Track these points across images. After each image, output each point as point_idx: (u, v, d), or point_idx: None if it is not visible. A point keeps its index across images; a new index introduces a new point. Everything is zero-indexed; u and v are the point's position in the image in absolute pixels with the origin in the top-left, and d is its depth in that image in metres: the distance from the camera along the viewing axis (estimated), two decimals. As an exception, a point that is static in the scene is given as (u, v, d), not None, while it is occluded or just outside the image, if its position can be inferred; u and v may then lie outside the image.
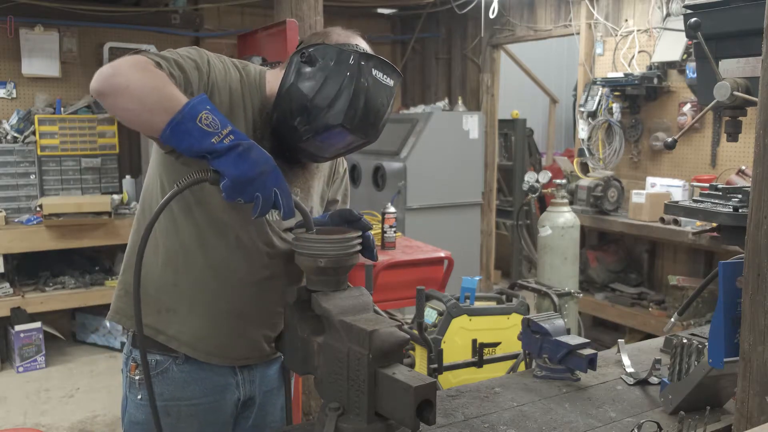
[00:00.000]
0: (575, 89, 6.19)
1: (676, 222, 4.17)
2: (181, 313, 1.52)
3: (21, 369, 4.59)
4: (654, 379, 1.72)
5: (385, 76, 1.41)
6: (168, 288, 1.51)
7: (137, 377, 1.54)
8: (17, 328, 4.54)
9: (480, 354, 2.95)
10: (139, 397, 1.54)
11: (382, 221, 3.51)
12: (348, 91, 1.37)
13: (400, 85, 7.21)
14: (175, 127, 1.25)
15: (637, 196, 4.49)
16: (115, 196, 5.00)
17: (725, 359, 1.33)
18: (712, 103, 1.70)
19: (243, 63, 1.56)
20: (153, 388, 1.49)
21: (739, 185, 2.17)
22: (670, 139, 1.83)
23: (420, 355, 2.94)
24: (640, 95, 4.76)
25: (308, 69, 1.41)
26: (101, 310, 4.97)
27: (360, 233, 1.41)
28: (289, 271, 1.57)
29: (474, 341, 3.00)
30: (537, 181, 4.39)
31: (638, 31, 4.84)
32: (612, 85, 4.84)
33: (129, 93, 1.28)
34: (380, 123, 1.44)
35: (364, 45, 1.48)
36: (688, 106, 4.56)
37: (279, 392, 1.70)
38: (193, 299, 1.52)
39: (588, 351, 1.68)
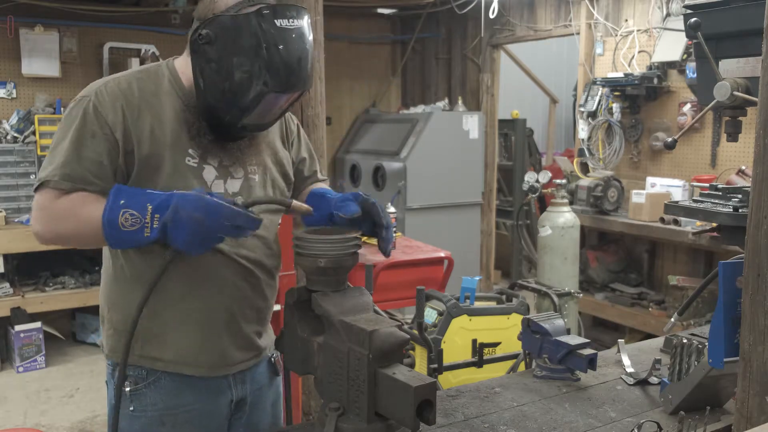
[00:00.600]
0: (575, 89, 6.19)
1: (676, 222, 4.17)
2: (171, 331, 1.48)
3: (21, 369, 4.58)
4: (654, 379, 1.72)
5: (290, 21, 1.33)
6: (150, 313, 1.42)
7: (128, 389, 1.48)
8: (17, 328, 4.54)
9: (480, 354, 2.95)
10: (131, 408, 1.49)
11: (382, 221, 3.50)
12: (260, 55, 1.31)
13: (400, 84, 7.30)
14: (111, 242, 1.30)
15: (637, 196, 4.49)
16: (115, 196, 4.99)
17: (725, 359, 1.33)
18: (712, 103, 1.70)
19: (153, 69, 1.48)
20: (146, 399, 1.49)
21: (739, 185, 2.17)
22: (670, 139, 1.83)
23: (420, 355, 2.94)
24: (640, 95, 4.76)
25: (211, 49, 1.34)
26: (101, 310, 4.97)
27: (360, 233, 1.40)
28: (268, 260, 1.57)
29: (474, 341, 3.00)
30: (537, 181, 4.39)
31: (638, 31, 4.84)
32: (612, 85, 4.83)
33: (61, 240, 1.39)
34: (308, 68, 1.37)
35: None
36: (688, 106, 4.55)
37: (268, 390, 1.69)
38: (183, 314, 1.48)
39: (588, 351, 1.69)
